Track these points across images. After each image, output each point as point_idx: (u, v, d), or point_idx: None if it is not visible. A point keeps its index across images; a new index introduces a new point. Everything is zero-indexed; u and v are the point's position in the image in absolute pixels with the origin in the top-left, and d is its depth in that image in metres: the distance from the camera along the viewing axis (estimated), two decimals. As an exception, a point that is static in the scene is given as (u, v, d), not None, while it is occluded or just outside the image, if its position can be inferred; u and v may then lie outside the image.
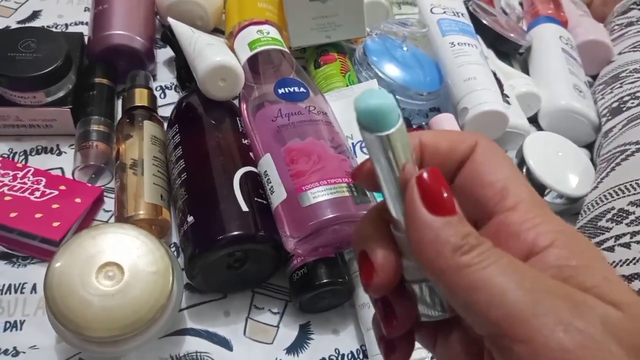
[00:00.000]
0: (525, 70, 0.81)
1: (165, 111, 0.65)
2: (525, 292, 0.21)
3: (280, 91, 0.56)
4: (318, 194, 0.48)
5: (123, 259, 0.45)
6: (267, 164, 0.52)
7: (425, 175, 0.23)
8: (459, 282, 0.22)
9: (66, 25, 0.73)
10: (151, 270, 0.46)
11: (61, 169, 0.60)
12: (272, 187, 0.51)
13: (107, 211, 0.58)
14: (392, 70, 0.69)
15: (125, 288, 0.44)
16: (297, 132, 0.53)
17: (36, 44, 0.58)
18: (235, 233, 0.48)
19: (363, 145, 0.58)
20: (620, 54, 0.79)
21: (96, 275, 0.44)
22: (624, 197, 0.55)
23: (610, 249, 0.51)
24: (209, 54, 0.57)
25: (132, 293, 0.44)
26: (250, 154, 0.55)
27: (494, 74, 0.71)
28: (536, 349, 0.20)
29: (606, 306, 0.21)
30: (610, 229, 0.52)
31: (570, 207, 0.64)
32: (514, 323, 0.20)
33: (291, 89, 0.56)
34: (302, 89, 0.56)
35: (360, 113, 0.24)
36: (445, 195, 0.23)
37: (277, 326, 0.53)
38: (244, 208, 0.50)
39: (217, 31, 0.76)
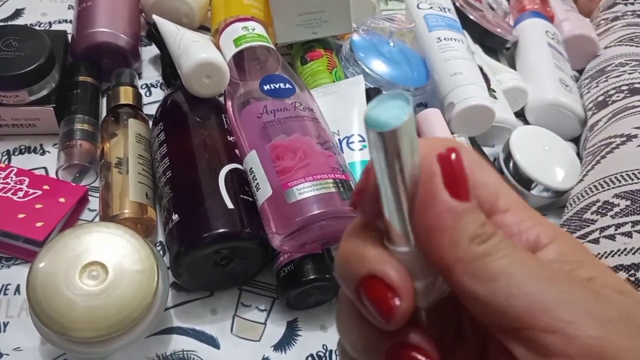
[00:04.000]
0: (512, 65, 0.81)
1: (151, 109, 0.64)
2: (545, 281, 0.20)
3: (266, 87, 0.55)
4: (304, 190, 0.48)
5: (107, 258, 0.45)
6: (253, 161, 0.52)
7: (452, 154, 0.21)
8: (475, 272, 0.20)
9: (50, 24, 0.73)
10: (136, 269, 0.45)
11: (45, 168, 0.59)
12: (257, 184, 0.50)
13: (92, 210, 0.57)
14: (379, 66, 0.68)
15: (110, 287, 0.44)
16: (282, 129, 0.52)
17: (18, 42, 0.57)
18: (221, 231, 0.48)
19: (349, 141, 0.58)
20: (606, 48, 0.79)
21: (80, 275, 0.44)
22: (609, 189, 0.55)
23: (595, 241, 0.51)
24: (194, 51, 0.56)
25: (117, 292, 0.44)
26: (236, 151, 0.55)
27: (481, 69, 0.71)
28: (568, 339, 0.19)
29: (617, 294, 0.21)
30: (596, 221, 0.53)
31: (556, 201, 0.64)
32: (539, 314, 0.19)
33: (277, 85, 0.56)
34: (287, 85, 0.56)
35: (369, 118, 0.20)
36: (467, 178, 0.21)
37: (265, 323, 0.52)
38: (230, 205, 0.49)
39: (203, 28, 0.75)
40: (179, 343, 0.50)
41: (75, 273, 0.44)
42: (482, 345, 0.24)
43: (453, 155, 0.21)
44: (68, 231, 0.47)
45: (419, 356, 0.22)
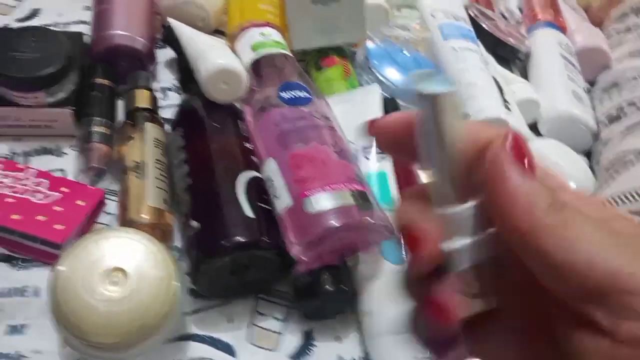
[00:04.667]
0: (524, 75, 0.81)
1: (167, 113, 0.65)
2: (623, 246, 0.21)
3: (284, 95, 0.56)
4: (323, 201, 0.48)
5: (128, 264, 0.45)
6: (271, 169, 0.52)
7: (514, 133, 0.23)
8: (554, 239, 0.21)
9: (66, 24, 0.72)
10: (156, 275, 0.46)
11: (62, 170, 0.59)
12: (276, 192, 0.51)
13: (109, 214, 0.57)
14: (393, 74, 0.69)
15: (131, 294, 0.44)
16: (300, 137, 0.53)
17: (37, 43, 0.57)
18: (240, 239, 0.48)
19: (367, 150, 0.58)
20: (618, 60, 0.79)
21: (101, 281, 0.44)
22: (624, 205, 0.55)
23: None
24: (212, 56, 0.56)
25: (138, 299, 0.44)
26: (253, 158, 0.55)
27: (494, 80, 0.71)
28: None
29: None
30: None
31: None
32: (624, 277, 0.20)
33: (295, 93, 0.56)
34: (305, 94, 0.56)
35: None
36: (532, 154, 0.22)
37: (281, 333, 0.53)
38: (249, 214, 0.49)
39: (218, 32, 0.75)
40: (196, 350, 0.50)
41: (96, 278, 0.44)
42: (521, 321, 0.25)
43: (515, 135, 0.23)
44: (88, 236, 0.47)
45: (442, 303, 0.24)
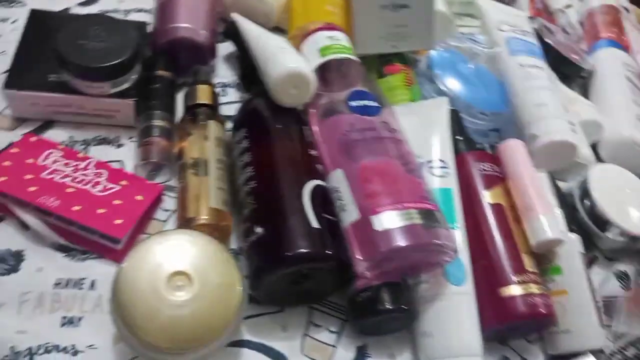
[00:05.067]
0: (585, 94, 0.79)
1: (227, 110, 0.64)
2: None
3: (353, 104, 0.54)
4: (392, 219, 0.47)
5: (193, 269, 0.44)
6: (339, 180, 0.51)
7: None
8: None
9: (126, 12, 0.72)
10: (220, 282, 0.45)
11: (121, 161, 0.58)
12: (343, 204, 0.50)
13: (165, 210, 0.56)
14: (456, 86, 0.67)
15: (194, 300, 0.43)
16: (370, 149, 0.51)
17: (106, 33, 0.56)
18: (306, 251, 0.47)
19: (431, 165, 0.57)
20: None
21: (167, 285, 0.43)
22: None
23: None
24: (283, 59, 0.55)
25: (201, 305, 0.44)
26: (318, 166, 0.54)
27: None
28: None
29: None
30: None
31: (629, 246, 0.63)
32: None
33: (365, 102, 0.55)
34: (375, 103, 0.55)
35: None
36: None
37: (335, 346, 0.52)
38: (314, 224, 0.48)
39: (277, 29, 0.74)
40: (248, 357, 0.50)
41: (162, 282, 0.43)
42: None
43: None
44: (153, 237, 0.46)
45: None
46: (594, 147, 0.73)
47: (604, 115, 0.73)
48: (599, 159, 0.73)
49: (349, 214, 0.49)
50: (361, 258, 0.47)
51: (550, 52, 0.77)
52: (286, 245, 0.47)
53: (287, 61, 0.55)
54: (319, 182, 0.52)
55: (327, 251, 0.48)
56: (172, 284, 0.44)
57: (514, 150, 0.59)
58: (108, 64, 0.55)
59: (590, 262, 0.61)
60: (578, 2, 0.97)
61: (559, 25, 0.88)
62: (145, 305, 0.43)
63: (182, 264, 0.44)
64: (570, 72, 0.79)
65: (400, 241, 0.46)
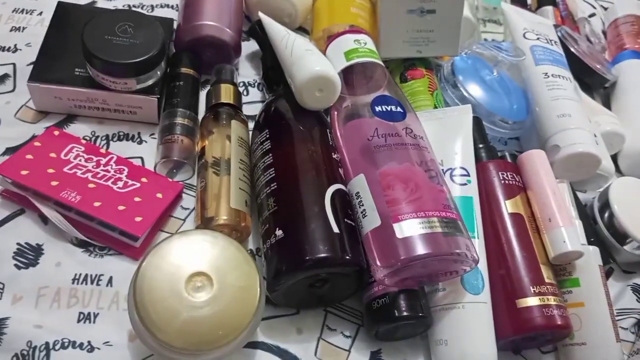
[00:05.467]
0: (606, 105, 0.79)
1: (249, 110, 0.64)
2: None
3: (378, 109, 0.54)
4: (414, 227, 0.47)
5: (213, 270, 0.44)
6: (361, 186, 0.50)
7: None
8: None
9: (152, 7, 0.72)
10: (240, 284, 0.45)
11: (141, 158, 0.59)
12: (364, 210, 0.49)
13: (185, 209, 0.56)
14: (478, 93, 0.67)
15: (213, 301, 0.43)
16: (393, 156, 0.51)
17: (133, 28, 0.57)
18: (326, 255, 0.47)
19: (452, 174, 0.56)
20: None
21: (186, 285, 0.43)
22: None
23: None
24: (310, 62, 0.55)
25: (220, 307, 0.43)
26: (340, 170, 0.53)
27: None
28: None
29: None
30: None
31: (648, 260, 0.63)
32: None
33: (389, 108, 0.54)
34: (399, 109, 0.55)
35: None
36: None
37: (349, 350, 0.52)
38: (335, 229, 0.48)
39: (300, 29, 0.74)
40: (263, 359, 0.49)
41: (181, 282, 0.43)
42: None
43: None
44: (174, 237, 0.46)
45: None
46: (614, 158, 0.72)
47: (626, 127, 0.72)
48: (618, 170, 0.72)
49: (370, 220, 0.49)
50: (381, 265, 0.47)
51: (574, 61, 0.76)
52: (306, 249, 0.47)
53: (313, 64, 0.54)
54: (340, 186, 0.51)
55: (346, 256, 0.48)
56: (192, 285, 0.44)
57: (535, 161, 0.58)
58: (135, 60, 0.55)
59: (606, 274, 0.60)
60: (602, 11, 0.97)
61: (582, 34, 0.87)
62: (164, 305, 0.43)
63: (202, 264, 0.44)
64: (593, 82, 0.78)
65: (421, 250, 0.46)
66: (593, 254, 0.56)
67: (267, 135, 0.55)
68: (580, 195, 0.66)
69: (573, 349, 0.54)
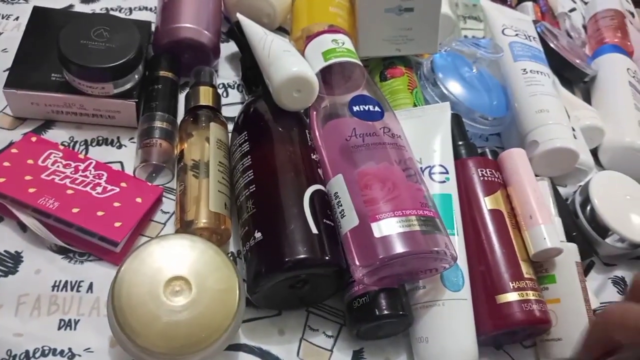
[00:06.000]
0: (586, 99, 0.79)
1: (228, 111, 0.64)
2: None
3: (355, 109, 0.54)
4: (391, 225, 0.47)
5: (191, 274, 0.45)
6: (339, 186, 0.51)
7: None
8: None
9: (130, 10, 0.71)
10: (219, 287, 0.45)
11: (121, 163, 0.58)
12: (342, 210, 0.50)
13: (165, 212, 0.56)
14: (458, 90, 0.67)
15: (192, 305, 0.44)
16: (371, 155, 0.51)
17: (109, 32, 0.56)
18: (305, 257, 0.47)
19: (431, 172, 0.57)
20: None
21: (166, 290, 0.43)
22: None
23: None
24: (286, 62, 0.55)
25: (199, 310, 0.44)
26: (319, 170, 0.53)
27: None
28: None
29: None
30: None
31: (630, 252, 0.63)
32: None
33: (366, 107, 0.54)
34: (377, 108, 0.55)
35: None
36: None
37: (331, 350, 0.52)
38: (314, 230, 0.48)
39: (280, 30, 0.74)
40: (245, 361, 0.50)
41: (160, 287, 0.43)
42: None
43: None
44: (153, 241, 0.46)
45: None
46: (594, 152, 0.73)
47: (606, 120, 0.73)
48: (598, 164, 0.73)
49: (349, 220, 0.49)
50: (360, 264, 0.47)
51: (554, 56, 0.77)
52: (285, 250, 0.47)
53: (290, 64, 0.54)
54: (319, 187, 0.52)
55: (326, 257, 0.48)
56: (171, 289, 0.44)
57: (515, 159, 0.59)
58: (112, 65, 0.55)
59: (587, 268, 0.61)
60: (582, 5, 0.97)
61: (563, 29, 0.88)
62: (143, 310, 0.43)
63: (181, 268, 0.44)
64: (572, 77, 0.79)
65: (399, 248, 0.46)
66: (570, 250, 0.57)
67: (246, 137, 0.55)
68: (560, 189, 0.67)
69: (549, 344, 0.54)
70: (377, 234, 0.47)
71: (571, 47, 0.82)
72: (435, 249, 0.47)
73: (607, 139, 0.72)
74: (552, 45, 0.78)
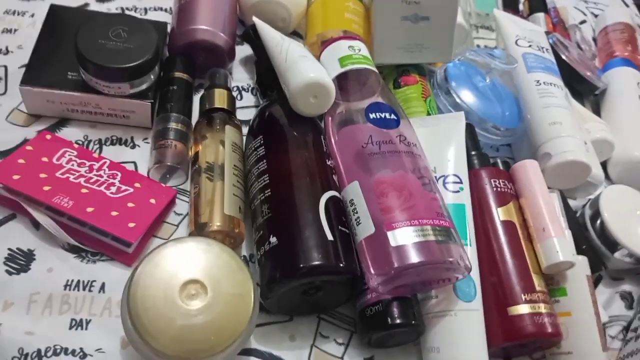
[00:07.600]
0: (596, 112, 0.79)
1: (243, 114, 0.64)
2: None
3: (372, 116, 0.54)
4: (407, 234, 0.47)
5: (207, 278, 0.44)
6: (355, 193, 0.50)
7: None
8: None
9: (145, 10, 0.71)
10: (234, 292, 0.45)
11: (134, 163, 0.58)
12: (358, 218, 0.50)
13: (178, 214, 0.56)
14: (471, 99, 0.67)
15: (207, 310, 0.43)
16: (387, 163, 0.51)
17: (127, 33, 0.56)
18: (320, 263, 0.47)
19: (445, 181, 0.57)
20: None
21: (181, 294, 0.43)
22: None
23: None
24: (304, 68, 0.55)
25: (213, 315, 0.43)
26: (334, 177, 0.53)
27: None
28: None
29: None
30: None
31: (638, 267, 0.63)
32: None
33: (383, 115, 0.55)
34: (393, 116, 0.55)
35: None
36: None
37: (342, 358, 0.52)
38: (329, 237, 0.48)
39: (294, 34, 0.74)
40: (256, 366, 0.50)
41: (175, 290, 0.43)
42: None
43: None
44: (168, 244, 0.46)
45: None
46: (603, 165, 0.73)
47: (615, 134, 0.73)
48: (607, 177, 0.73)
49: (364, 228, 0.49)
50: (374, 272, 0.47)
51: (564, 68, 0.77)
52: (300, 256, 0.47)
53: (308, 70, 0.54)
54: (334, 193, 0.52)
55: (340, 264, 0.48)
56: (186, 293, 0.43)
57: (528, 171, 0.59)
58: (129, 65, 0.55)
59: (595, 281, 0.61)
60: (592, 18, 0.97)
61: (573, 41, 0.88)
62: (158, 313, 0.42)
63: (196, 272, 0.44)
64: (583, 89, 0.79)
65: (415, 258, 0.46)
66: (581, 263, 0.57)
67: (261, 141, 0.54)
68: (570, 202, 0.67)
69: (560, 358, 0.54)
70: (392, 243, 0.47)
71: (582, 59, 0.82)
72: (450, 259, 0.47)
73: (617, 153, 0.72)
74: (563, 56, 0.78)
